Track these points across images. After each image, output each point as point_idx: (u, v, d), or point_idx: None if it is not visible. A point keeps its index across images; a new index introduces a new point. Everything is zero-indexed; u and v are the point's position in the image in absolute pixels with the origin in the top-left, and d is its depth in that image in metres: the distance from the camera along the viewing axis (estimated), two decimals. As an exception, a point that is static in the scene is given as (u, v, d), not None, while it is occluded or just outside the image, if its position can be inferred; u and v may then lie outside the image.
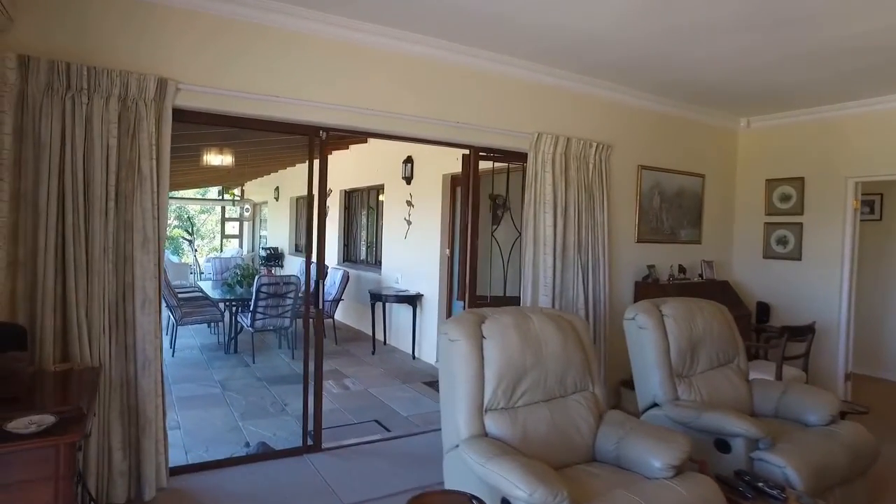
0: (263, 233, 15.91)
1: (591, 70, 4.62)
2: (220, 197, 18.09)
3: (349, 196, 9.82)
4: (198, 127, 5.61)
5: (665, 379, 3.42)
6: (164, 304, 6.74)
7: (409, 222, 7.39)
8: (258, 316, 6.54)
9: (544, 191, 4.55)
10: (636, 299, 5.37)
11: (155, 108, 3.06)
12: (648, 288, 5.27)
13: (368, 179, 8.67)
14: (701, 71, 4.51)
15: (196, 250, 13.63)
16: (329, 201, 10.18)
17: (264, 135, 6.88)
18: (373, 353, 7.20)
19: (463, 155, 4.58)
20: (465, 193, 4.59)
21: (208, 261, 9.25)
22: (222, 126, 3.53)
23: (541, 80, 4.62)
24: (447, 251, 6.72)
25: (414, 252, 7.27)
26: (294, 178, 12.35)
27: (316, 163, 3.92)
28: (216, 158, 5.86)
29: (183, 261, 17.13)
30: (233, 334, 7.02)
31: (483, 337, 2.74)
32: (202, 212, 21.81)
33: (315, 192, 3.95)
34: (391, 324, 7.73)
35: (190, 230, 13.30)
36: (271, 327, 6.75)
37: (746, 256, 6.17)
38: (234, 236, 18.17)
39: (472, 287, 4.52)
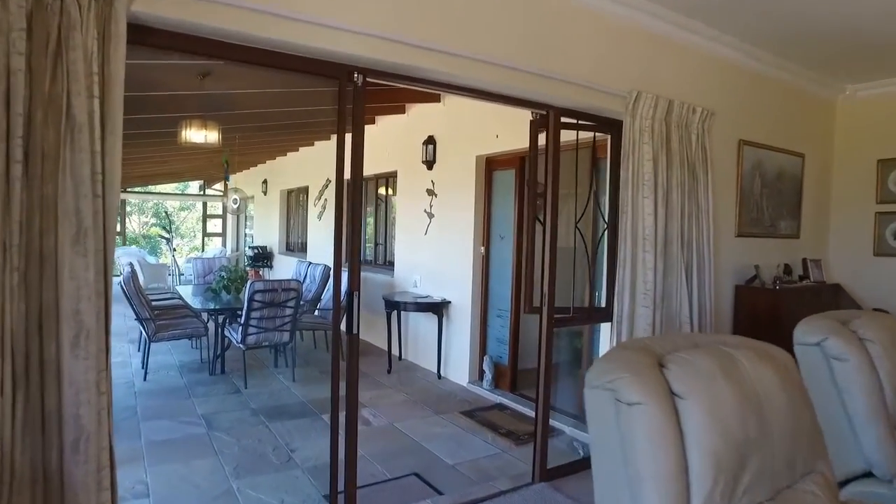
0: (249, 231, 14.61)
1: (687, 5, 3.47)
2: (202, 192, 16.72)
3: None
4: (168, 76, 4.34)
5: (884, 437, 2.29)
6: (134, 317, 5.62)
7: (430, 215, 6.20)
8: (251, 329, 5.31)
9: (642, 168, 3.40)
10: (738, 308, 4.25)
11: (97, 12, 1.84)
12: (756, 294, 4.15)
13: (377, 166, 7.46)
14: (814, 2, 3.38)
15: (175, 250, 12.27)
16: (326, 193, 8.96)
17: (259, 106, 5.65)
18: (388, 371, 6.00)
19: (532, 121, 3.40)
20: (533, 174, 3.42)
21: (189, 261, 8.09)
22: (206, 56, 2.34)
23: (633, 19, 3.46)
24: (482, 249, 5.55)
25: (437, 250, 6.08)
26: (285, 170, 11.09)
27: (348, 129, 2.73)
28: (198, 134, 4.64)
29: (161, 261, 15.76)
30: (219, 351, 5.78)
31: (675, 395, 1.57)
32: (182, 209, 20.38)
33: (348, 168, 2.76)
34: (409, 336, 6.54)
35: (167, 227, 11.93)
36: (267, 343, 5.52)
37: (849, 253, 5.07)
38: (216, 234, 16.81)
39: (551, 296, 3.34)
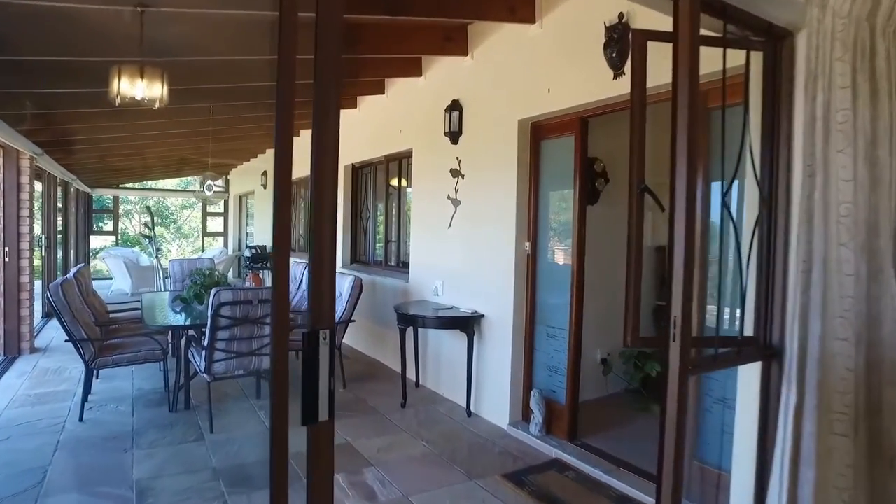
0: (251, 229, 13.35)
1: None
2: (201, 188, 15.47)
3: (358, 174, 7.23)
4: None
5: None
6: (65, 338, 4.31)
7: (455, 202, 4.80)
8: (218, 355, 3.96)
9: (833, 101, 1.97)
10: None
11: None
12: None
13: (388, 146, 6.09)
14: None
15: (159, 249, 11.00)
16: (331, 182, 7.56)
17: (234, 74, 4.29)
18: (403, 404, 4.61)
19: (637, 33, 1.97)
20: (640, 122, 2.00)
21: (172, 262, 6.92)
22: None
23: None
24: (526, 246, 4.14)
25: (465, 248, 4.69)
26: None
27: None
28: (134, 87, 3.29)
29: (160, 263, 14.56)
30: (181, 381, 4.43)
31: None
32: (184, 207, 19.20)
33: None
34: (429, 358, 5.15)
35: (150, 224, 10.66)
36: (240, 372, 4.16)
37: None
38: (217, 234, 15.59)
39: (686, 321, 1.89)
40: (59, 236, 9.04)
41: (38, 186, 7.83)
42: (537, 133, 4.11)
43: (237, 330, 3.96)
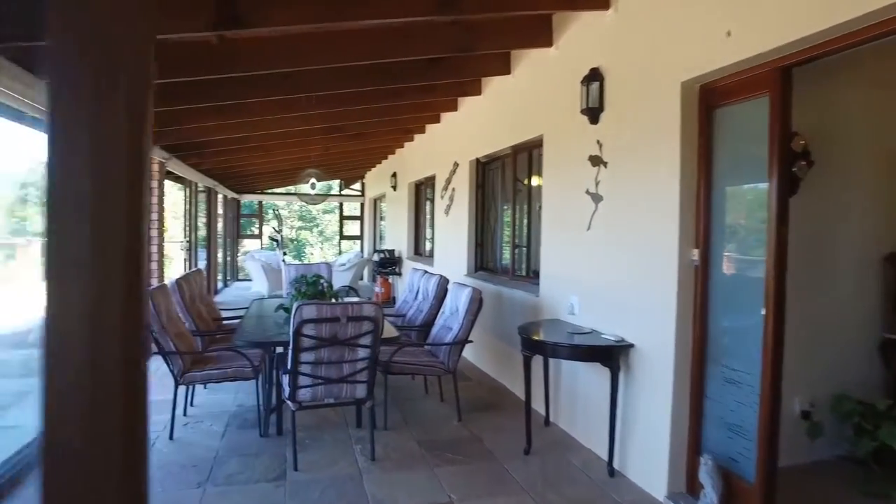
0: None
1: None
2: (339, 192, 15.77)
3: (484, 169, 6.43)
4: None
5: None
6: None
7: (595, 197, 3.79)
8: (302, 380, 3.36)
9: None
10: None
11: None
12: None
13: (515, 134, 5.21)
14: None
15: (284, 252, 11.10)
16: (454, 180, 6.90)
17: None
18: (527, 450, 3.70)
19: None
20: None
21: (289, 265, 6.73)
22: None
23: None
24: (694, 255, 3.02)
25: (609, 255, 3.66)
26: (412, 157, 9.29)
27: None
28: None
29: (308, 262, 15.06)
30: (272, 404, 3.93)
31: None
32: (325, 211, 19.90)
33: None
34: (562, 388, 4.19)
35: (277, 226, 10.78)
36: (330, 401, 3.52)
37: None
38: (354, 237, 15.76)
39: None
40: (203, 240, 9.40)
41: (180, 193, 8.10)
42: (709, 99, 2.98)
43: (324, 352, 3.32)
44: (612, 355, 3.34)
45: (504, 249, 5.99)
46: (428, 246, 9.04)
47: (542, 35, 4.34)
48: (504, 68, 5.14)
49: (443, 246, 7.61)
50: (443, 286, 5.13)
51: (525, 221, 5.42)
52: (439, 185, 7.51)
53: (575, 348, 3.42)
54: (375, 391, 3.65)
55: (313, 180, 7.44)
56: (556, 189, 4.42)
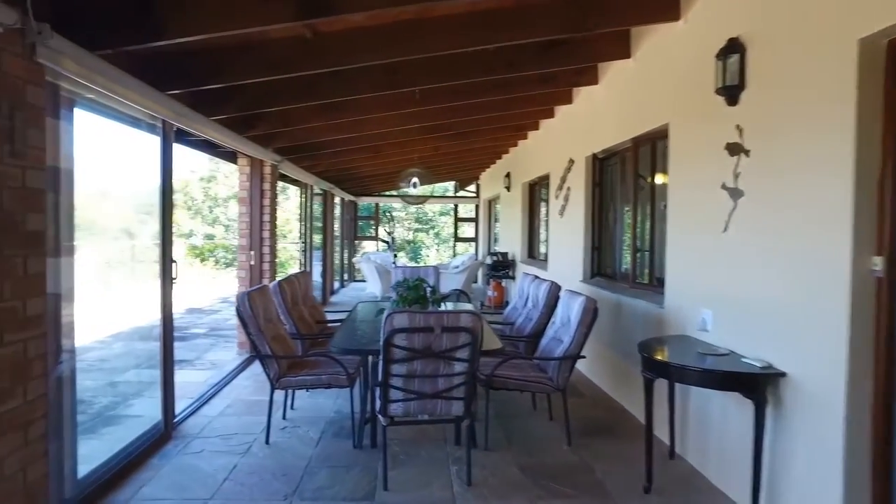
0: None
1: None
2: (455, 193, 15.69)
3: (602, 166, 5.87)
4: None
5: None
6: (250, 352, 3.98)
7: (735, 193, 3.16)
8: (394, 394, 3.11)
9: None
10: None
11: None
12: None
13: (636, 124, 4.64)
14: None
15: (395, 254, 11.10)
16: (569, 179, 6.42)
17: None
18: (647, 487, 3.16)
19: None
20: None
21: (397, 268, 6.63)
22: None
23: None
24: (875, 264, 2.34)
25: (752, 262, 3.02)
26: (526, 156, 8.89)
27: None
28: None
29: (421, 265, 15.18)
30: (366, 416, 3.74)
31: None
32: (441, 213, 19.96)
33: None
34: (690, 414, 3.59)
35: (390, 229, 10.81)
36: (424, 417, 3.24)
37: None
38: (469, 239, 15.59)
39: None
40: (319, 241, 9.65)
41: (295, 196, 8.33)
42: (907, 58, 2.29)
43: (416, 364, 3.05)
44: (756, 385, 2.73)
45: (624, 254, 5.40)
46: (542, 249, 8.57)
47: (668, 8, 3.77)
48: (623, 51, 4.59)
49: (557, 249, 7.12)
50: (553, 293, 4.69)
51: (647, 222, 4.82)
52: (553, 184, 7.03)
53: (708, 374, 2.84)
54: (476, 404, 3.32)
55: (415, 180, 7.26)
56: (684, 184, 3.81)
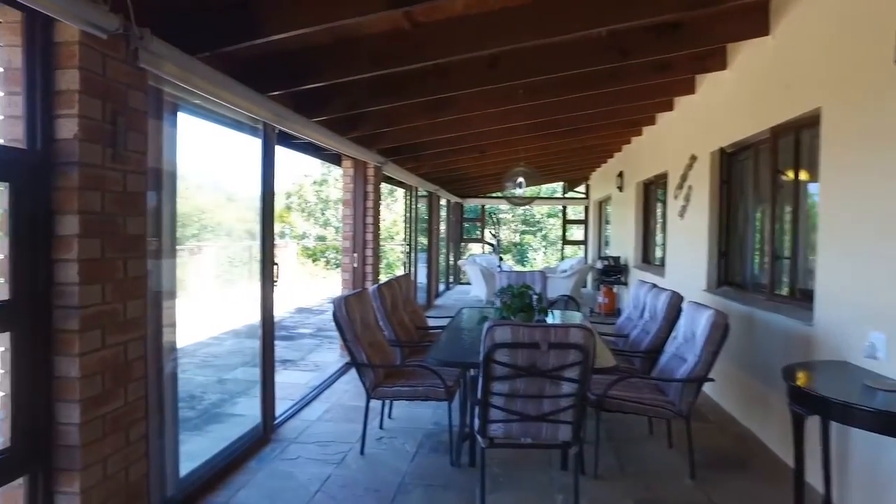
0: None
1: None
2: (563, 195, 15.12)
3: (730, 161, 5.22)
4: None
5: None
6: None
7: (917, 189, 2.55)
8: (494, 413, 2.83)
9: None
10: None
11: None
12: None
13: (775, 112, 4.01)
14: None
15: (500, 257, 10.76)
16: (691, 177, 5.82)
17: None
18: (793, 543, 2.64)
19: None
20: None
21: (501, 271, 6.33)
22: None
23: None
24: None
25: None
26: (640, 154, 8.26)
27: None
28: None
29: (527, 269, 14.79)
30: (465, 432, 3.49)
31: None
32: (549, 215, 19.37)
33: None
34: (852, 460, 2.98)
35: (495, 231, 10.50)
36: (527, 440, 2.93)
37: None
38: (577, 242, 14.95)
39: None
40: (424, 243, 9.61)
41: (402, 198, 8.31)
42: None
43: (520, 383, 2.75)
44: (951, 433, 2.15)
45: (757, 261, 4.74)
46: (658, 254, 7.90)
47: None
48: (758, 28, 3.99)
49: (676, 254, 6.48)
50: (675, 305, 4.19)
51: (787, 225, 4.16)
52: (672, 183, 6.41)
53: (885, 416, 2.28)
54: (585, 427, 2.97)
55: (521, 179, 6.92)
56: (842, 179, 3.19)
